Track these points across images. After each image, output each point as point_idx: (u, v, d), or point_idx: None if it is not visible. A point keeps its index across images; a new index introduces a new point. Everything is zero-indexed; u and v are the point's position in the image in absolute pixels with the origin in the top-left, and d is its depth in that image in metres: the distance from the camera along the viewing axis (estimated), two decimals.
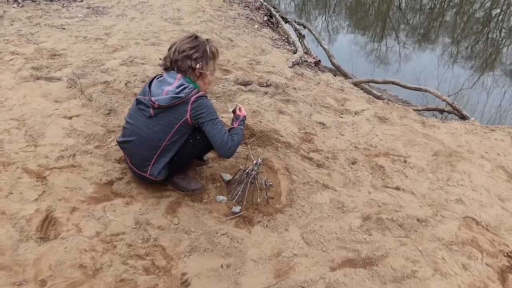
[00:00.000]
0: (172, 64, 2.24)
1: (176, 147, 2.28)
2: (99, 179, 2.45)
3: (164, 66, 2.29)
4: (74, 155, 2.58)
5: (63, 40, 4.49)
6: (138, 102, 2.25)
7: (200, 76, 2.28)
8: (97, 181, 2.43)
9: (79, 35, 4.70)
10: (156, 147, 2.23)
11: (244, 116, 2.47)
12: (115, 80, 3.58)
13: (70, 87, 3.40)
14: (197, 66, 2.22)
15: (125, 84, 3.55)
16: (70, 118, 2.95)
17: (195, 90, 2.19)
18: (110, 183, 2.45)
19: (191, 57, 2.21)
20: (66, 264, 1.92)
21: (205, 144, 2.30)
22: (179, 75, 2.22)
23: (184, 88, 2.16)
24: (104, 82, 3.51)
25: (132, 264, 1.98)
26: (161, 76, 2.27)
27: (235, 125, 2.40)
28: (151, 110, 2.18)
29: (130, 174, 2.51)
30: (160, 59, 2.34)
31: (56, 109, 3.04)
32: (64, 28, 4.93)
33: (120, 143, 2.37)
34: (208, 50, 2.26)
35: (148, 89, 2.23)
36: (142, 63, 4.08)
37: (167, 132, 2.20)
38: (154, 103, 2.14)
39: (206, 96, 2.24)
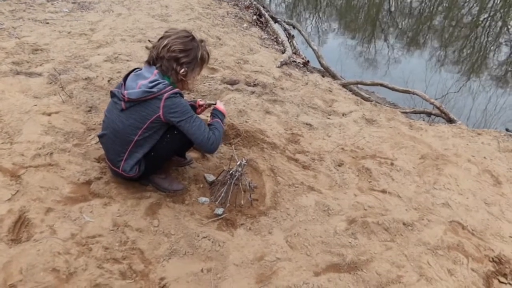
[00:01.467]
0: (156, 59, 2.13)
1: (150, 143, 2.19)
2: (77, 178, 2.36)
3: (149, 56, 2.18)
4: (51, 153, 2.49)
5: (46, 35, 4.37)
6: (112, 94, 2.17)
7: (181, 80, 2.20)
8: (74, 181, 2.34)
9: (63, 30, 4.58)
10: (128, 141, 2.15)
11: (221, 111, 2.39)
12: (97, 76, 3.48)
13: (51, 83, 3.30)
14: (181, 71, 2.14)
15: (108, 80, 3.45)
16: (49, 114, 2.85)
17: (169, 87, 2.08)
18: (88, 182, 2.35)
19: (178, 61, 2.11)
20: (38, 267, 1.83)
21: (184, 140, 2.20)
22: (156, 71, 2.12)
23: (158, 84, 2.06)
24: (86, 79, 3.41)
25: (108, 268, 1.90)
26: (139, 70, 2.18)
27: (211, 120, 2.33)
28: (123, 104, 2.09)
29: (110, 173, 2.42)
30: (149, 41, 2.23)
31: (35, 105, 2.94)
32: (48, 23, 4.80)
33: (99, 137, 2.31)
34: (198, 56, 2.17)
35: (123, 82, 2.15)
36: (127, 60, 3.99)
37: (139, 127, 2.11)
38: (125, 96, 2.06)
39: (180, 94, 2.13)
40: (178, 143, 2.25)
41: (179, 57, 2.10)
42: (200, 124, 2.15)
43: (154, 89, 2.03)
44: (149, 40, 2.19)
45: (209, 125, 2.29)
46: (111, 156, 2.24)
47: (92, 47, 4.19)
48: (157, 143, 2.20)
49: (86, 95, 3.15)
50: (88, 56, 3.95)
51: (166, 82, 2.10)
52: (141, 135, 2.13)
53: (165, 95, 2.04)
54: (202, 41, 2.22)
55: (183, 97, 2.16)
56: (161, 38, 2.14)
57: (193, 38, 2.15)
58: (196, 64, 2.18)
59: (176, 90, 2.09)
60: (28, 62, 3.65)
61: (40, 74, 3.44)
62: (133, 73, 2.17)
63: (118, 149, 2.19)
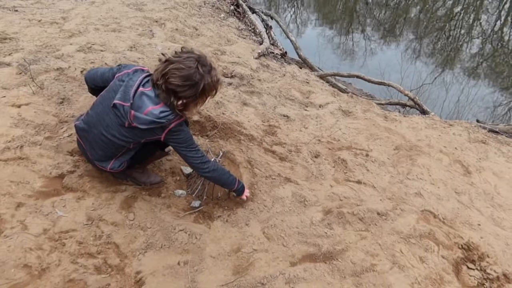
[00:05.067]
0: (155, 85, 1.94)
1: (140, 147, 2.18)
2: (49, 172, 2.29)
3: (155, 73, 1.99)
4: (21, 146, 2.41)
5: (15, 23, 4.20)
6: (115, 106, 1.98)
7: (182, 109, 2.00)
8: (46, 175, 2.28)
9: (33, 18, 4.41)
10: (121, 147, 2.09)
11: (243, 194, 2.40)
12: (70, 67, 3.38)
13: (20, 73, 3.18)
14: (179, 103, 1.93)
15: (81, 71, 3.35)
16: (19, 106, 2.75)
17: (177, 117, 1.97)
18: (61, 176, 2.30)
19: (176, 94, 1.89)
20: (9, 264, 1.78)
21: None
22: (162, 101, 1.95)
23: (168, 115, 1.94)
24: (57, 69, 3.30)
25: (82, 263, 1.87)
26: (149, 77, 2.01)
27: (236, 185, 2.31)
28: (126, 123, 1.97)
29: (83, 167, 2.37)
30: (162, 54, 2.03)
31: (4, 96, 2.83)
32: (16, 10, 4.61)
33: (80, 129, 2.16)
34: (199, 90, 1.90)
35: (131, 98, 1.94)
36: (101, 50, 3.88)
37: (137, 141, 2.06)
38: (132, 122, 1.94)
39: (186, 122, 2.08)
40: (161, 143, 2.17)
41: (177, 90, 1.88)
42: (197, 151, 2.09)
43: (163, 120, 1.92)
44: (162, 53, 2.02)
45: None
46: (96, 155, 2.14)
47: (64, 37, 4.06)
48: (145, 144, 2.16)
49: (58, 86, 3.06)
50: (59, 45, 3.82)
51: (175, 112, 1.96)
52: (135, 144, 2.10)
53: (172, 125, 1.96)
54: (211, 69, 1.95)
55: (187, 124, 2.13)
56: (166, 61, 1.91)
57: (198, 68, 1.88)
58: (198, 96, 1.94)
59: (182, 119, 2.00)
60: None
61: (8, 64, 3.30)
62: (141, 86, 1.98)
63: (109, 153, 2.11)
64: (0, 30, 3.93)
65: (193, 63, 1.88)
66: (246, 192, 2.42)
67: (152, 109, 1.92)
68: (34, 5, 4.91)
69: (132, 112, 1.92)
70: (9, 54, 3.49)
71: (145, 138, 2.04)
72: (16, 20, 4.26)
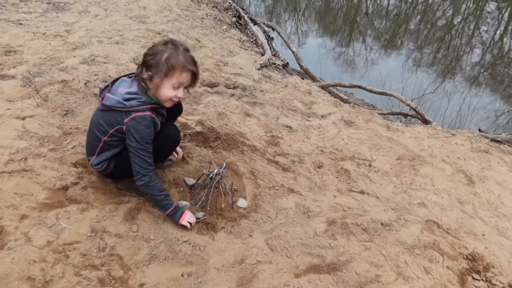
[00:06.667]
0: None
1: (119, 146, 2.18)
2: (53, 184, 2.30)
3: None
4: (26, 158, 2.42)
5: (20, 36, 4.25)
6: (100, 91, 2.16)
7: (152, 88, 2.01)
8: (50, 186, 2.28)
9: (37, 31, 4.47)
10: (98, 139, 2.14)
11: (181, 217, 2.21)
12: (74, 79, 3.41)
13: (25, 85, 3.21)
14: (145, 75, 1.98)
15: (85, 83, 3.38)
16: (23, 118, 2.77)
17: (143, 107, 2.00)
18: (65, 188, 2.30)
19: (145, 64, 1.99)
20: (13, 276, 1.78)
21: (157, 147, 2.14)
22: (136, 82, 2.06)
23: (133, 99, 2.00)
24: (61, 81, 3.33)
25: (86, 275, 1.86)
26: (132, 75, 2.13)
27: (175, 204, 2.21)
28: (100, 104, 2.10)
29: (87, 178, 2.38)
30: None
31: (8, 109, 2.85)
32: (21, 24, 4.68)
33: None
34: (162, 59, 1.93)
35: (111, 82, 2.13)
36: (104, 62, 3.92)
37: (106, 130, 2.09)
38: (103, 99, 2.06)
39: (150, 118, 2.02)
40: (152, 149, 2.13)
41: (145, 60, 1.99)
42: (145, 161, 2.05)
43: (127, 103, 1.99)
44: None
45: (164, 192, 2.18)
46: (87, 148, 2.27)
47: (68, 49, 4.11)
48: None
49: (62, 99, 3.08)
50: (63, 58, 3.86)
51: (143, 99, 2.01)
52: (109, 137, 2.12)
53: (133, 115, 1.99)
54: (178, 49, 1.99)
55: (156, 125, 2.08)
56: None
57: (166, 44, 1.98)
58: (163, 68, 1.94)
59: (147, 114, 2.00)
60: (0, 64, 3.54)
61: (13, 77, 3.34)
62: (124, 77, 2.14)
63: (91, 144, 2.21)
64: (4, 43, 3.97)
65: (165, 40, 2.03)
66: (186, 219, 2.20)
67: (121, 90, 2.03)
68: (39, 18, 4.98)
69: (107, 94, 2.04)
70: (14, 67, 3.53)
71: (111, 127, 2.07)
72: (20, 33, 4.31)
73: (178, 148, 2.64)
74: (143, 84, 2.03)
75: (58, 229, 2.05)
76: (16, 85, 3.20)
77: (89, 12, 5.46)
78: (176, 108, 2.34)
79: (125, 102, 1.99)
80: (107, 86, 2.15)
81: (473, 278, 2.35)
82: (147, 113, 2.01)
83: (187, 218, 2.22)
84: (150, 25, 5.29)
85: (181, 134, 2.71)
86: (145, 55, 2.00)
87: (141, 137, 2.01)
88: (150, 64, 1.97)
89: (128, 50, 4.30)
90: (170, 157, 2.65)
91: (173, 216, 2.20)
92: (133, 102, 2.00)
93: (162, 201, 2.17)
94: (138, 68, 2.07)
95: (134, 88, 2.04)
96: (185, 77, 2.01)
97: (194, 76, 2.05)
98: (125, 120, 2.00)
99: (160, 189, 2.15)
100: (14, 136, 2.58)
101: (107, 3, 5.97)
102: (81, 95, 3.22)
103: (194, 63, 2.04)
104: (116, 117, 2.03)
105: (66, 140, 2.67)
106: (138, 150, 2.03)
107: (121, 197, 2.35)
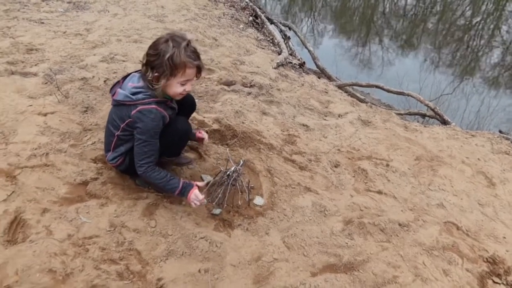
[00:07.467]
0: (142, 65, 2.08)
1: (131, 141, 2.18)
2: (73, 179, 2.34)
3: None
4: (47, 153, 2.47)
5: (41, 34, 4.34)
6: (111, 87, 2.21)
7: (160, 87, 2.02)
8: (70, 181, 2.32)
9: (58, 30, 4.55)
10: (112, 134, 2.20)
11: (189, 194, 2.15)
12: (93, 76, 3.46)
13: (46, 83, 3.28)
14: (150, 77, 2.00)
15: (104, 81, 3.43)
16: (45, 115, 2.83)
17: (149, 100, 2.03)
18: (85, 183, 2.34)
19: (148, 64, 1.99)
20: (34, 268, 1.82)
21: (168, 141, 2.17)
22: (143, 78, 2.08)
23: (139, 93, 2.04)
24: (82, 79, 3.39)
25: (105, 269, 1.89)
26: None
27: (182, 181, 2.16)
28: (112, 100, 2.15)
29: (106, 174, 2.42)
30: None
31: (30, 105, 2.92)
32: (43, 23, 4.77)
33: None
34: (166, 58, 1.92)
35: (121, 78, 2.18)
36: (123, 60, 3.98)
37: (118, 125, 2.14)
38: (113, 95, 2.11)
39: (156, 111, 2.04)
40: (162, 143, 2.16)
41: (149, 60, 1.98)
42: (146, 152, 2.07)
43: (133, 97, 2.04)
44: None
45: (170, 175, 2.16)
46: (104, 143, 2.34)
47: (88, 47, 4.17)
48: None
49: (82, 96, 3.14)
50: (83, 56, 3.93)
51: (149, 93, 2.03)
52: (121, 131, 2.16)
53: (139, 107, 2.02)
54: (180, 46, 1.95)
55: (164, 118, 2.09)
56: None
57: (167, 42, 1.95)
58: (167, 69, 1.95)
59: (153, 107, 2.03)
60: (23, 62, 3.62)
61: (35, 74, 3.42)
62: (135, 72, 2.17)
63: (108, 139, 2.28)
64: (27, 41, 4.06)
65: (166, 37, 1.98)
66: (191, 199, 2.14)
67: (130, 86, 2.07)
68: (59, 17, 5.07)
69: (118, 89, 2.09)
70: (36, 65, 3.61)
71: (121, 122, 2.11)
72: (42, 32, 4.40)
73: (203, 132, 2.60)
74: (149, 83, 2.05)
75: (78, 223, 2.08)
76: (38, 82, 3.27)
77: (108, 11, 5.54)
78: (186, 100, 2.35)
79: (132, 96, 2.04)
80: (118, 81, 2.19)
81: (494, 282, 2.30)
82: (153, 106, 2.04)
83: (192, 198, 2.14)
84: (168, 24, 5.34)
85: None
86: (148, 54, 2.00)
87: (146, 130, 2.04)
88: (154, 65, 1.98)
89: (146, 48, 4.32)
90: (199, 135, 2.58)
91: (183, 195, 2.16)
92: (140, 96, 2.04)
93: (166, 186, 2.14)
94: (142, 66, 2.05)
95: (141, 83, 2.08)
96: (191, 73, 2.04)
97: (199, 69, 2.08)
98: (132, 113, 2.04)
99: (161, 176, 2.11)
100: (36, 132, 2.64)
101: (126, 2, 6.05)
102: (101, 92, 3.27)
103: (198, 56, 2.04)
104: (126, 111, 2.08)
105: (86, 136, 2.72)
106: (141, 142, 2.07)
107: (139, 192, 2.38)
